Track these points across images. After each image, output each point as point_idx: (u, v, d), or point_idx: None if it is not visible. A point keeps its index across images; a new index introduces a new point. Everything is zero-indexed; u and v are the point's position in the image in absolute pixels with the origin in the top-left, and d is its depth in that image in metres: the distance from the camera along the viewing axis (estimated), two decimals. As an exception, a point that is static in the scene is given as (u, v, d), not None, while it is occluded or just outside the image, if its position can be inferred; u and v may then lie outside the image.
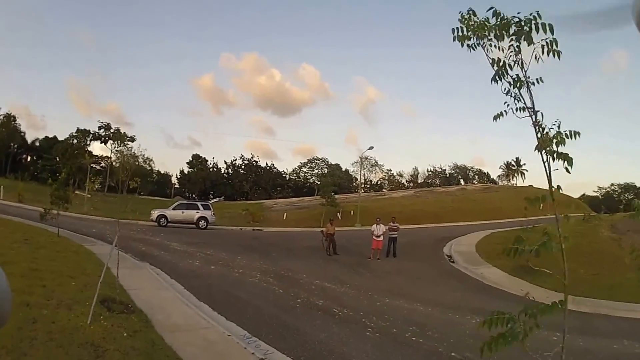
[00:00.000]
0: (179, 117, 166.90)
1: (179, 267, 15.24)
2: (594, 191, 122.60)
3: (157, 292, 10.74)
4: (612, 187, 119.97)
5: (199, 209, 32.44)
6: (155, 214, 30.83)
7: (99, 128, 56.92)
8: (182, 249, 19.55)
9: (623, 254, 24.81)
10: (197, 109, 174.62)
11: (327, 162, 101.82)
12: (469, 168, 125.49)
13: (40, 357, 5.64)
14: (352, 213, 43.98)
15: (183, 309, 9.59)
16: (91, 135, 57.26)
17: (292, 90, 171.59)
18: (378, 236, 22.29)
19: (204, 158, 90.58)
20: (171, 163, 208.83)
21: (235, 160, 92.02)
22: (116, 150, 64.20)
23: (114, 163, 64.07)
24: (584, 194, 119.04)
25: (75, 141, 57.71)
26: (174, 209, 31.95)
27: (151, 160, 79.22)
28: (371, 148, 56.61)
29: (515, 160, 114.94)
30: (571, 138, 3.35)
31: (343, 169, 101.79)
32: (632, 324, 14.32)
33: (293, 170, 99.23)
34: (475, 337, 9.22)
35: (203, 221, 31.57)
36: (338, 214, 43.84)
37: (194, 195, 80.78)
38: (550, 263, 15.11)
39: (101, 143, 58.40)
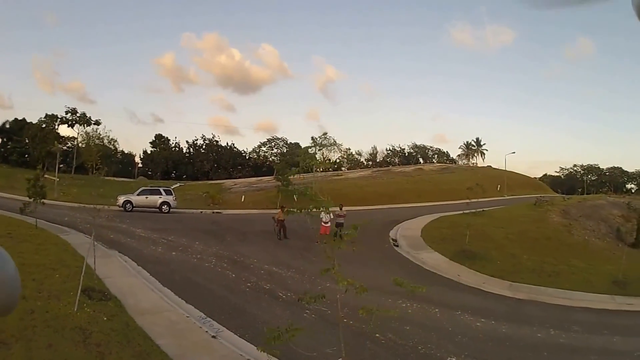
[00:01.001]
0: (142, 95, 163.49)
1: (144, 254, 16.46)
2: (556, 171, 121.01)
3: (127, 279, 12.28)
4: (575, 168, 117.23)
5: (161, 194, 33.23)
6: (121, 199, 31.46)
7: (66, 112, 56.72)
8: (146, 236, 20.58)
9: (572, 240, 26.01)
10: (159, 87, 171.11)
11: (287, 141, 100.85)
12: (428, 147, 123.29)
13: (43, 341, 7.20)
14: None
15: (149, 294, 11.22)
16: (59, 120, 56.83)
17: (252, 69, 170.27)
18: (325, 222, 22.63)
19: (167, 138, 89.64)
20: (135, 141, 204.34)
21: (197, 140, 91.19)
22: (83, 132, 63.70)
23: (80, 145, 63.65)
24: (545, 174, 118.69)
25: (44, 125, 57.17)
26: (138, 194, 32.61)
27: (115, 141, 78.61)
28: (325, 134, 57.08)
29: (475, 140, 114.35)
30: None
31: (303, 148, 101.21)
32: (565, 312, 14.49)
33: (253, 149, 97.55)
34: (401, 320, 11.02)
35: (166, 206, 32.45)
36: (294, 196, 44.57)
37: (156, 175, 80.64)
38: (494, 250, 17.55)
39: (68, 127, 58.13)
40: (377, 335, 10.06)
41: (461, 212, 28.56)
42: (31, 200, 17.73)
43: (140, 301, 10.29)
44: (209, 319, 9.98)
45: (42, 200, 17.67)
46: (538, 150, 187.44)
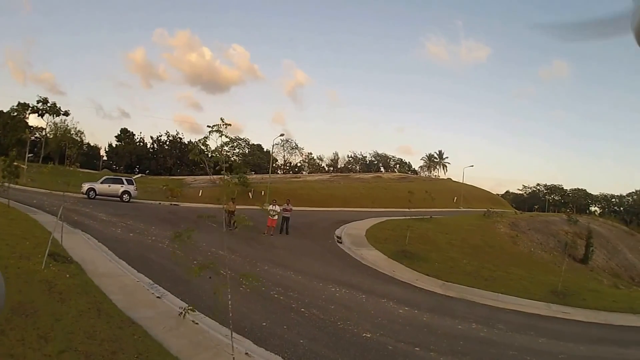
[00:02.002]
0: (109, 89, 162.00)
1: (104, 233, 17.58)
2: (519, 189, 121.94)
3: (88, 251, 13.58)
4: (538, 187, 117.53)
5: (123, 184, 34.07)
6: (85, 187, 32.09)
7: (37, 102, 56.41)
8: (107, 219, 21.62)
9: (516, 250, 26.92)
10: (127, 81, 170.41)
11: (249, 142, 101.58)
12: (390, 157, 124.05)
13: (14, 288, 8.50)
14: (262, 193, 46.54)
15: (107, 263, 12.59)
16: (30, 109, 56.48)
17: (222, 69, 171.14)
18: (273, 215, 23.94)
19: (132, 132, 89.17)
20: (100, 135, 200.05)
21: (161, 136, 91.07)
22: (52, 123, 63.21)
23: (48, 135, 63.13)
24: (507, 191, 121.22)
25: (15, 114, 56.73)
26: (101, 182, 33.32)
27: (82, 133, 78.18)
28: (282, 135, 58.84)
29: (438, 152, 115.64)
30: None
31: (265, 150, 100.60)
32: (493, 312, 14.45)
33: (215, 148, 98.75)
34: (328, 300, 12.54)
35: (126, 195, 33.33)
36: (250, 193, 46.40)
37: (120, 168, 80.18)
38: (435, 252, 19.43)
39: (38, 116, 57.77)
40: (302, 309, 11.14)
41: (407, 217, 28.45)
42: (4, 180, 18.69)
43: (98, 267, 11.65)
44: (156, 285, 11.28)
45: (16, 179, 18.66)
46: (504, 168, 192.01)
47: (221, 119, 5.63)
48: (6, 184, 19.05)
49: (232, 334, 6.03)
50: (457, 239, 27.16)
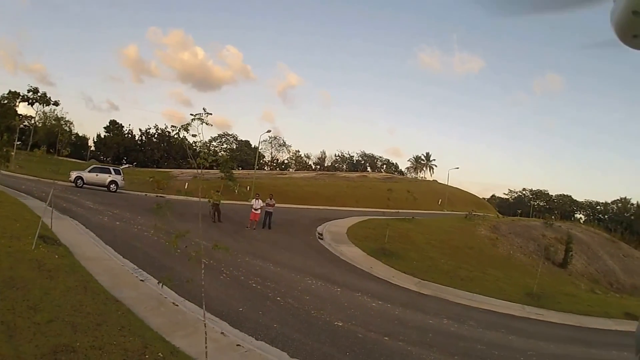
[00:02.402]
0: (100, 82, 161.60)
1: (91, 220, 17.91)
2: (505, 194, 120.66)
3: (76, 236, 13.99)
4: (524, 192, 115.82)
5: (111, 173, 34.22)
6: (73, 175, 32.15)
7: (28, 91, 56.31)
8: (94, 207, 21.91)
9: (495, 252, 26.96)
10: (119, 75, 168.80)
11: (237, 138, 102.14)
12: (377, 157, 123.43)
13: (6, 266, 8.98)
14: (247, 188, 46.80)
15: (94, 248, 13.02)
16: (20, 97, 56.36)
17: (214, 69, 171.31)
18: (256, 209, 24.29)
19: (121, 124, 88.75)
20: (88, 125, 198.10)
21: (150, 128, 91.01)
22: (42, 112, 63.00)
23: (37, 123, 62.93)
24: (493, 195, 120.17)
25: (6, 101, 56.61)
26: (89, 171, 33.41)
27: (71, 123, 77.87)
28: (269, 131, 59.00)
29: (425, 155, 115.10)
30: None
31: (253, 146, 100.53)
32: (466, 310, 14.58)
33: (204, 143, 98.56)
34: (304, 291, 13.04)
35: (114, 185, 33.44)
36: (235, 188, 46.56)
37: (108, 159, 79.92)
38: (413, 252, 19.72)
39: (28, 105, 57.57)
40: (278, 298, 11.60)
41: (389, 217, 28.12)
42: None
43: (85, 252, 12.08)
44: (140, 269, 11.72)
45: (7, 163, 19.01)
46: (492, 173, 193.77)
47: (203, 109, 6.10)
48: None
49: (204, 313, 6.54)
50: (437, 240, 27.31)
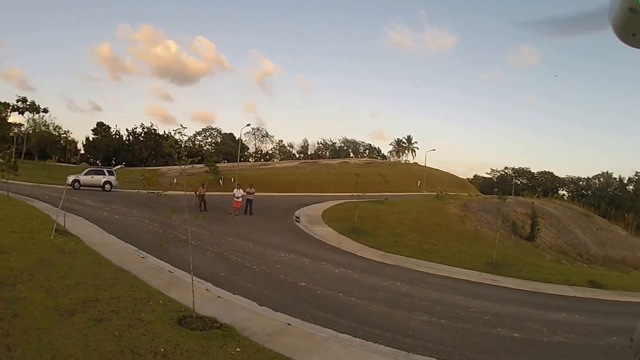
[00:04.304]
0: (79, 83, 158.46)
1: (93, 216, 19.69)
2: (487, 173, 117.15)
3: (83, 228, 15.96)
4: (506, 170, 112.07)
5: (105, 175, 35.88)
6: (70, 178, 33.56)
7: (17, 101, 57.11)
8: (94, 205, 23.65)
9: (461, 228, 27.83)
10: (96, 75, 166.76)
11: (220, 131, 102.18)
12: (360, 143, 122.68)
13: (33, 251, 10.98)
14: (232, 180, 48.51)
15: (100, 236, 15.04)
16: (10, 107, 57.09)
17: (189, 61, 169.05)
18: (237, 197, 26.26)
19: (108, 126, 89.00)
20: (73, 128, 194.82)
21: (136, 128, 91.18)
22: (31, 120, 63.70)
23: (28, 131, 63.74)
24: (476, 175, 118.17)
25: None
26: (85, 174, 35.02)
27: (60, 128, 78.49)
28: (248, 125, 60.42)
29: (406, 138, 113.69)
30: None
31: (237, 138, 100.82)
32: (422, 276, 15.28)
33: (189, 138, 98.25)
34: (276, 262, 15.04)
35: (108, 185, 35.12)
36: (220, 180, 48.55)
37: (97, 162, 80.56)
38: (383, 229, 21.68)
39: (19, 114, 58.33)
40: (254, 267, 13.43)
41: (364, 200, 29.52)
42: (2, 174, 20.67)
43: (93, 239, 14.09)
44: (140, 250, 13.73)
45: (15, 172, 20.74)
46: (475, 153, 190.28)
47: (181, 125, 8.21)
48: (3, 180, 20.87)
49: (192, 275, 8.64)
50: (407, 219, 28.08)
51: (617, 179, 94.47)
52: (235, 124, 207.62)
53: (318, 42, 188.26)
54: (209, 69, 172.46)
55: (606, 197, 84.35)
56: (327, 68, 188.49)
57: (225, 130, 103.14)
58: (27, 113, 60.42)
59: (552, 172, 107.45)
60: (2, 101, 58.89)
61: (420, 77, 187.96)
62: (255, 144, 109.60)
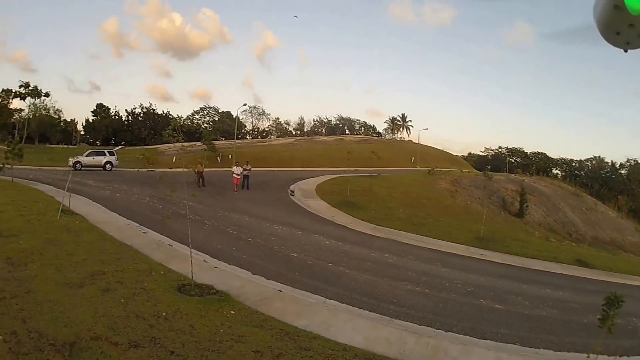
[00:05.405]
0: (81, 60, 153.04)
1: (95, 195, 20.05)
2: (481, 151, 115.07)
3: (86, 207, 16.42)
4: (500, 149, 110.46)
5: (105, 155, 36.15)
6: (72, 160, 33.93)
7: (20, 87, 56.56)
8: (95, 185, 23.97)
9: (451, 202, 28.01)
10: (99, 53, 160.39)
11: (218, 110, 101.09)
12: (355, 120, 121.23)
13: (42, 231, 11.46)
14: (230, 157, 48.88)
15: (103, 214, 15.53)
16: (13, 94, 56.57)
17: (192, 34, 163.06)
18: (237, 174, 26.64)
19: (107, 107, 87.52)
20: (73, 109, 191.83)
21: (135, 108, 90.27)
22: (32, 104, 63.19)
23: (29, 116, 63.40)
24: (470, 153, 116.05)
25: (0, 100, 56.95)
26: (86, 156, 35.14)
27: (60, 111, 77.94)
28: (245, 105, 60.22)
29: (401, 115, 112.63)
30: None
31: (234, 116, 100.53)
32: (410, 248, 15.46)
33: (187, 116, 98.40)
34: (270, 234, 15.55)
35: (109, 165, 35.39)
36: (218, 157, 48.86)
37: (97, 142, 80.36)
38: (374, 203, 22.07)
39: (21, 99, 57.87)
40: (249, 239, 13.96)
41: (357, 174, 29.59)
42: (7, 161, 21.02)
43: (97, 217, 14.56)
44: (142, 226, 14.18)
45: (21, 159, 21.10)
46: (471, 131, 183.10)
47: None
48: (7, 166, 21.09)
49: (190, 248, 9.19)
50: (398, 193, 28.20)
51: (610, 163, 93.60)
52: (232, 103, 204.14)
53: (320, 14, 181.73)
54: (211, 42, 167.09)
55: (599, 179, 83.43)
56: (326, 44, 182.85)
57: (223, 108, 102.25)
58: (28, 98, 59.96)
59: (544, 153, 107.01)
60: (5, 88, 58.59)
61: (417, 53, 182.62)
62: (252, 121, 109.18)
